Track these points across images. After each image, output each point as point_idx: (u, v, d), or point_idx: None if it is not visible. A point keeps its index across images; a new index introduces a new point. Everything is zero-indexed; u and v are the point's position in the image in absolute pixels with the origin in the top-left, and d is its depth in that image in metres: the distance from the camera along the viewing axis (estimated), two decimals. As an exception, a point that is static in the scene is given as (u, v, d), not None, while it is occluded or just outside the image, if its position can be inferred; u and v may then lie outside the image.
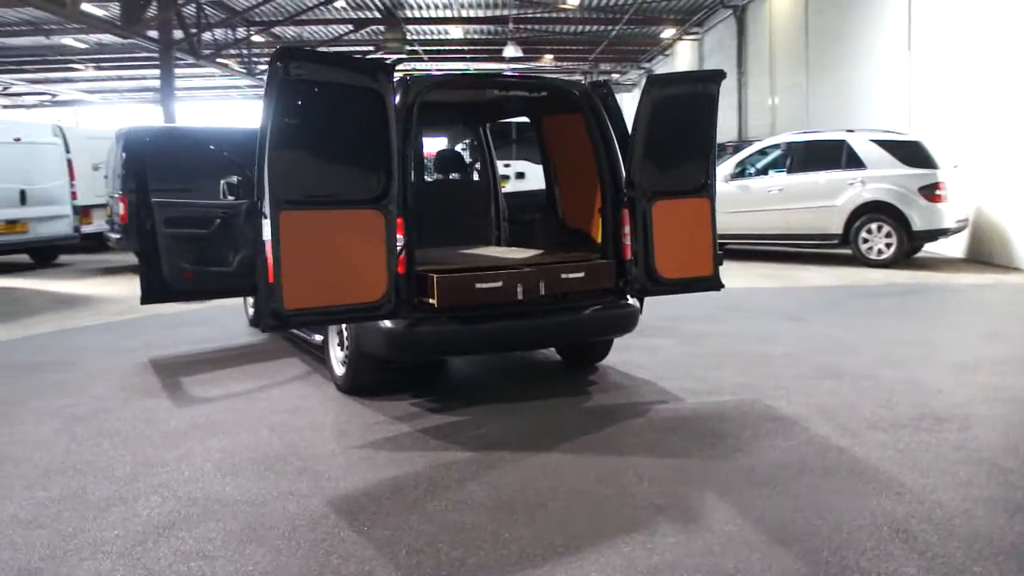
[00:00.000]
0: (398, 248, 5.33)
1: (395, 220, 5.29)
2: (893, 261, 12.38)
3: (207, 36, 24.74)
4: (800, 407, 5.62)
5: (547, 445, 4.97)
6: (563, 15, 26.77)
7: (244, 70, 29.03)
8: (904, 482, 4.30)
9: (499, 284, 5.54)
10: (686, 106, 6.01)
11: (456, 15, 27.45)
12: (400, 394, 6.09)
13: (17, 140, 13.59)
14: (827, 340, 7.69)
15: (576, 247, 6.51)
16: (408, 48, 29.92)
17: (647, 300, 6.23)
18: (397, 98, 5.59)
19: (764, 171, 13.79)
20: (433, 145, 8.60)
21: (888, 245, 12.45)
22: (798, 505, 4.04)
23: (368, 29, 28.27)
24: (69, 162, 14.15)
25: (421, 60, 34.04)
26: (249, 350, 7.68)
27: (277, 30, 28.87)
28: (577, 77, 37.69)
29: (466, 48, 32.86)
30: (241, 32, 26.49)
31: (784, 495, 4.17)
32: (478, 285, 5.50)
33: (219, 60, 26.65)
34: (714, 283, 6.23)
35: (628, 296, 6.12)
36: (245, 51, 28.30)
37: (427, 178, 7.52)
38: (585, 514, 4.01)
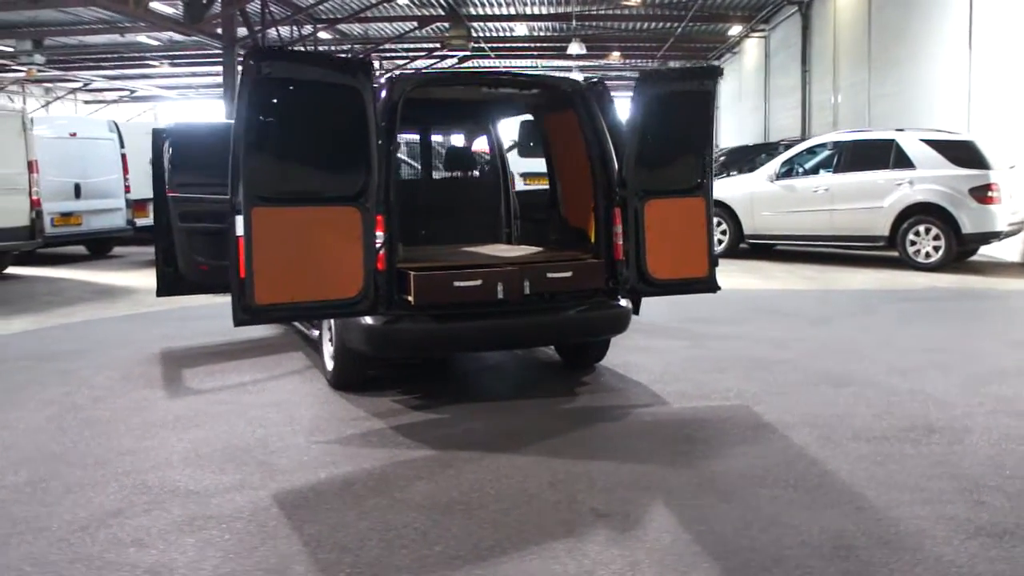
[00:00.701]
0: (378, 245, 5.32)
1: (374, 217, 5.29)
2: (941, 265, 11.93)
3: (272, 33, 25.15)
4: (788, 414, 5.43)
5: (513, 446, 4.90)
6: (627, 12, 26.51)
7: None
8: (868, 497, 4.11)
9: (478, 283, 5.49)
10: (680, 104, 5.87)
11: (519, 12, 27.43)
12: (387, 390, 6.09)
13: (73, 135, 14.04)
14: (845, 345, 7.43)
15: (576, 246, 6.41)
16: (473, 45, 30.00)
17: (677, 303, 6.10)
18: (382, 96, 5.59)
19: (811, 171, 13.42)
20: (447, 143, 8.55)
21: (936, 248, 12.00)
22: (747, 517, 3.89)
23: (432, 26, 28.46)
24: (123, 157, 14.54)
25: (488, 57, 34.13)
26: (260, 344, 7.77)
27: (344, 27, 29.29)
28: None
29: (532, 46, 32.82)
30: (306, 29, 26.84)
31: (737, 506, 4.03)
32: (456, 283, 5.46)
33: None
34: (710, 285, 6.07)
35: (619, 297, 5.99)
36: (311, 48, 28.68)
37: (435, 175, 7.50)
38: (522, 518, 3.93)
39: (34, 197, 12.34)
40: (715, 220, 13.60)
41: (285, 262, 5.01)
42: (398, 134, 5.78)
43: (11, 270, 13.10)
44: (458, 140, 7.93)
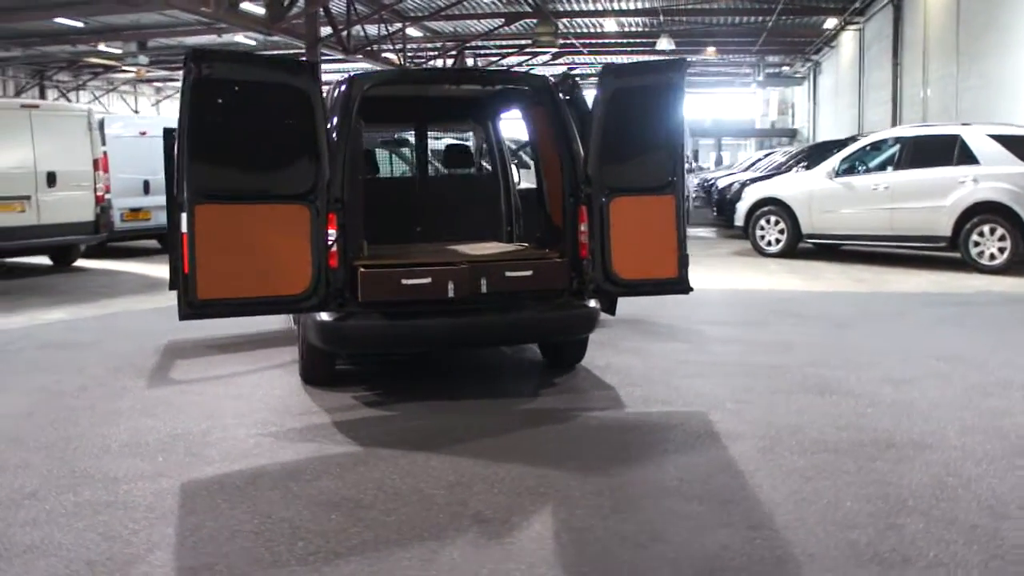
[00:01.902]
0: (330, 242, 5.35)
1: (326, 215, 5.32)
2: (1006, 267, 11.23)
3: (358, 32, 25.61)
4: (744, 423, 5.20)
5: (439, 446, 4.84)
6: (716, 6, 25.93)
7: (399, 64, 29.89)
8: (776, 516, 3.88)
9: (427, 281, 5.44)
10: (646, 99, 5.69)
11: (608, 8, 27.16)
12: (354, 385, 6.12)
13: (143, 134, 14.60)
14: (853, 351, 7.06)
15: (555, 244, 6.30)
16: (562, 42, 29.89)
17: (702, 304, 5.96)
18: (339, 93, 5.62)
19: (873, 167, 12.84)
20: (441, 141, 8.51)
21: (1001, 250, 11.31)
22: (630, 531, 3.73)
23: (521, 23, 28.46)
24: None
25: (580, 53, 33.95)
26: (267, 337, 7.90)
27: (436, 25, 29.58)
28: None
29: (623, 41, 32.48)
30: (388, 27, 27.14)
31: (628, 518, 3.87)
32: (404, 281, 5.43)
33: (381, 55, 27.53)
34: (680, 286, 5.86)
35: (585, 297, 5.85)
36: (399, 45, 29.09)
37: (431, 173, 7.49)
38: (402, 519, 3.88)
39: (99, 193, 12.89)
40: (773, 219, 13.35)
41: (229, 258, 5.10)
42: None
43: (80, 263, 13.75)
44: (452, 138, 7.87)
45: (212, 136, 5.06)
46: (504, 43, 32.51)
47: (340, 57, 25.80)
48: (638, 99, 5.66)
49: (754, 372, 6.42)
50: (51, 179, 12.31)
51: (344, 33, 24.22)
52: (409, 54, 29.68)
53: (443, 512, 3.95)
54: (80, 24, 26.45)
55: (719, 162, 37.47)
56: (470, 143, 7.69)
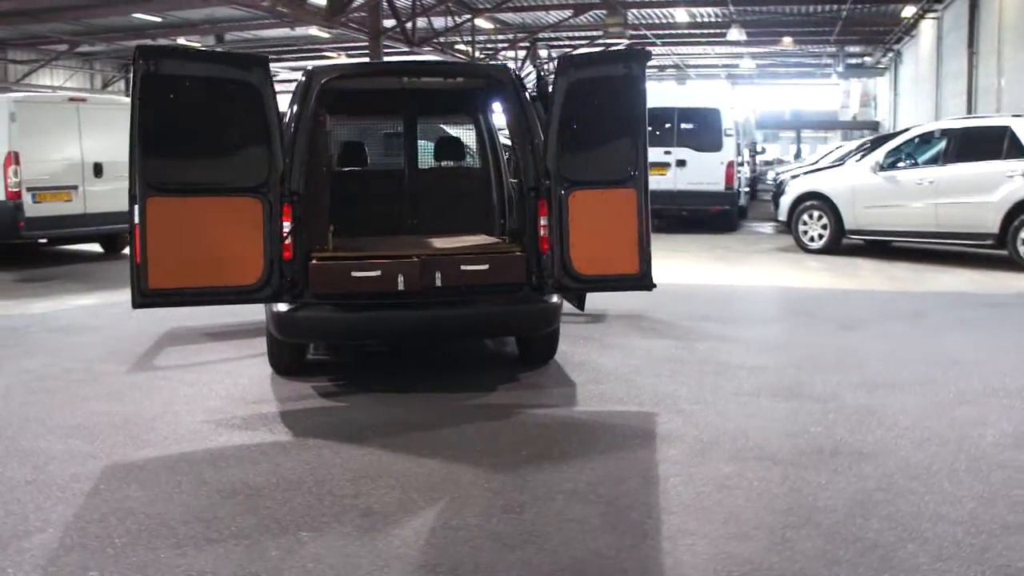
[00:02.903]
0: (284, 234, 5.40)
1: (280, 207, 5.37)
2: (1054, 268, 10.67)
3: (422, 23, 25.72)
4: (690, 426, 5.05)
5: (370, 438, 4.86)
6: (785, -6, 25.26)
7: (468, 56, 29.97)
8: (668, 524, 3.75)
9: (377, 273, 5.44)
10: (606, 90, 5.56)
11: (676, -2, 26.70)
12: (320, 375, 6.19)
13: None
14: (844, 353, 6.79)
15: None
16: (632, 33, 29.52)
17: (714, 300, 5.86)
18: (298, 86, 5.66)
19: (919, 161, 12.31)
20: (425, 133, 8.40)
21: (1052, 249, 10.73)
22: (508, 532, 3.66)
23: (590, 14, 28.22)
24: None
25: (653, 44, 33.47)
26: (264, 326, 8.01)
27: (506, 17, 29.55)
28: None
29: (697, 32, 31.91)
30: (455, 19, 27.19)
31: (516, 519, 3.79)
32: (354, 273, 5.44)
33: (453, 47, 27.65)
34: (642, 282, 5.71)
35: (544, 292, 5.76)
36: (468, 37, 29.17)
37: (420, 166, 7.48)
38: (294, 508, 3.91)
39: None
40: (816, 214, 12.94)
41: (180, 249, 5.20)
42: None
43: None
44: (437, 131, 7.83)
45: (162, 131, 5.16)
46: (576, 34, 32.29)
47: (405, 50, 25.98)
48: (597, 90, 5.54)
49: (729, 372, 6.24)
50: (98, 170, 12.72)
51: (409, 25, 24.37)
52: (478, 46, 29.70)
53: (335, 504, 3.95)
54: (158, 19, 27.26)
55: (798, 155, 36.47)
56: (471, 134, 7.61)
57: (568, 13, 27.99)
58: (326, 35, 31.37)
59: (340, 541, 3.58)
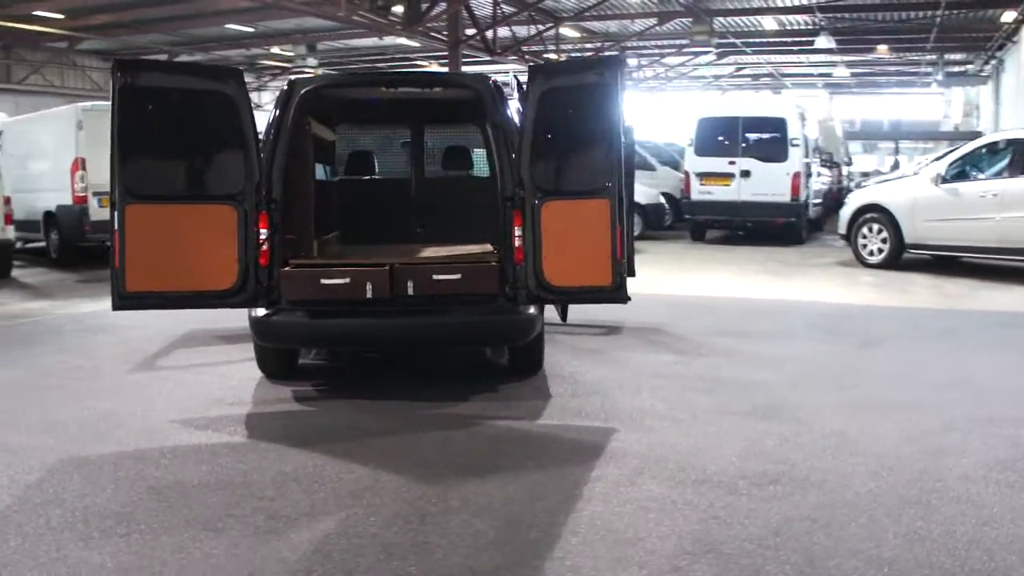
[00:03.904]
0: (260, 241, 5.53)
1: (255, 214, 5.51)
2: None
3: (504, 32, 25.86)
4: (643, 445, 4.92)
5: (318, 443, 4.93)
6: (876, 1, 24.44)
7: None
8: (563, 545, 3.65)
9: (346, 281, 5.51)
10: (579, 99, 5.50)
11: (764, 5, 26.14)
12: (305, 380, 6.31)
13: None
14: (847, 373, 6.52)
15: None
16: (718, 41, 29.09)
17: (744, 313, 5.80)
18: (278, 98, 5.80)
19: (986, 173, 11.75)
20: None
21: (1118, 270, 10.09)
22: (401, 542, 3.66)
23: (676, 22, 27.91)
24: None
25: (743, 53, 32.88)
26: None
27: (593, 25, 29.46)
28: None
29: (787, 40, 31.16)
30: (538, 27, 27.24)
31: (416, 530, 3.79)
32: (324, 281, 5.53)
33: (541, 55, 27.72)
34: (615, 295, 5.62)
35: (518, 303, 5.73)
36: (552, 46, 29.18)
37: (427, 175, 7.55)
38: (208, 508, 4.01)
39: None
40: (876, 227, 12.49)
41: (157, 254, 5.39)
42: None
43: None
44: (444, 140, 7.87)
45: (140, 140, 5.35)
46: (663, 43, 31.98)
47: (487, 59, 26.18)
48: (570, 99, 5.49)
49: (718, 389, 6.08)
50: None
51: (489, 34, 24.53)
52: (564, 55, 29.69)
53: (249, 506, 4.03)
54: (250, 29, 28.19)
55: (895, 166, 35.20)
56: (478, 143, 7.63)
57: (652, 21, 27.74)
58: (415, 44, 31.90)
59: (233, 542, 3.65)
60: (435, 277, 5.60)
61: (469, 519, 3.90)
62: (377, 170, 7.66)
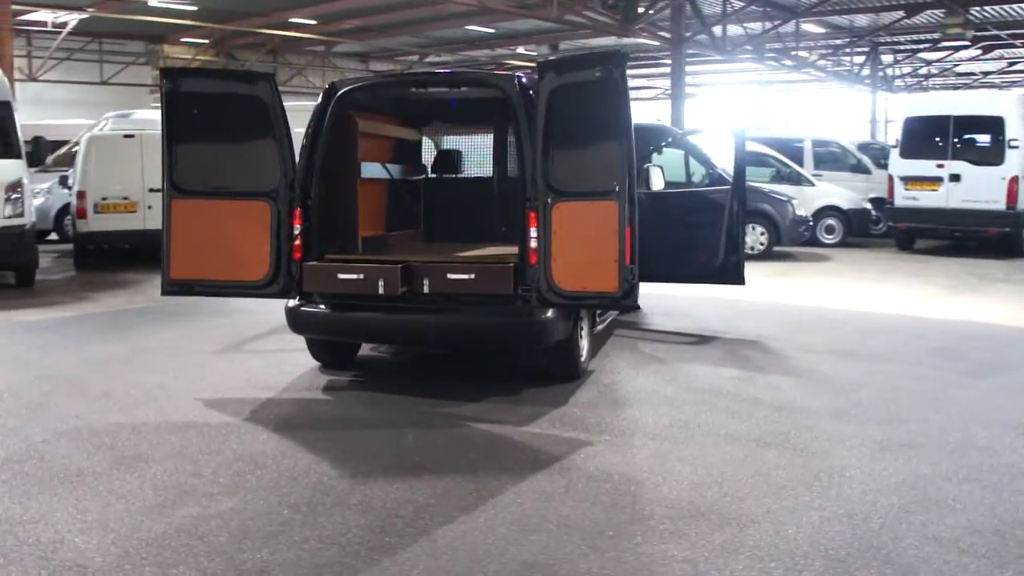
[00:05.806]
0: (294, 235, 5.89)
1: (290, 210, 5.87)
2: None
3: (735, 29, 25.03)
4: (618, 464, 4.68)
5: (300, 431, 5.24)
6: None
7: (791, 63, 28.69)
8: (446, 567, 3.60)
9: (360, 276, 5.71)
10: (586, 96, 5.33)
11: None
12: (344, 372, 6.60)
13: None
14: (910, 405, 5.73)
15: None
16: (975, 34, 26.50)
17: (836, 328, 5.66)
18: (319, 101, 6.09)
19: None
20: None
21: None
22: (266, 536, 3.81)
23: (926, 14, 25.77)
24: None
25: (1011, 46, 29.71)
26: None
27: (837, 20, 27.84)
28: None
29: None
30: (768, 24, 26.07)
31: (295, 524, 3.92)
32: (340, 276, 5.76)
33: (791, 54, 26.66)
34: (623, 302, 5.42)
35: (531, 306, 5.66)
36: (792, 44, 27.84)
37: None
38: (145, 481, 4.40)
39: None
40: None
41: (198, 245, 5.90)
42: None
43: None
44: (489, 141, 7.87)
45: (186, 140, 5.86)
46: (916, 37, 29.61)
47: (719, 59, 25.46)
48: (577, 97, 5.34)
49: (744, 411, 5.65)
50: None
51: (717, 31, 23.82)
52: (803, 52, 28.29)
53: (184, 483, 4.38)
54: (491, 30, 29.18)
55: None
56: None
57: (900, 14, 25.75)
58: (654, 43, 31.64)
59: (133, 510, 4.02)
60: (449, 276, 5.67)
61: (361, 518, 3.97)
62: (462, 170, 7.79)
